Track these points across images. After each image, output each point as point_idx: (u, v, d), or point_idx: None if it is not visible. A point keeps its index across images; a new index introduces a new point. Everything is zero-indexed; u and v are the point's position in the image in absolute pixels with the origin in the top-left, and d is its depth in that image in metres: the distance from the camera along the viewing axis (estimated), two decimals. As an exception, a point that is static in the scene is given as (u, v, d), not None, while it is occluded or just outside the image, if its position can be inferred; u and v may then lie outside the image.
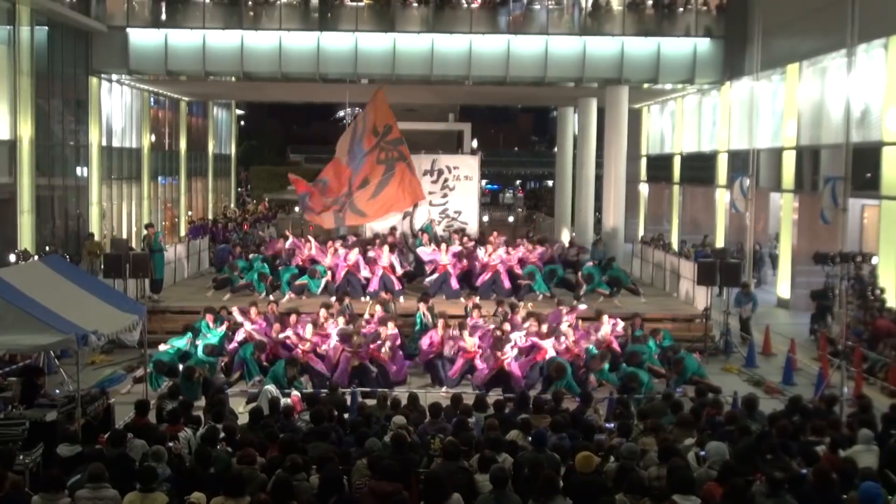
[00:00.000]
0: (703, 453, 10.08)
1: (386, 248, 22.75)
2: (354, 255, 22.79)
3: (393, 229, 25.26)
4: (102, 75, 32.55)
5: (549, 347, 16.85)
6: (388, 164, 24.33)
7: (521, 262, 23.18)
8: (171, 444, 10.47)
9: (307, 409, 12.63)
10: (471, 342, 17.18)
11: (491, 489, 8.69)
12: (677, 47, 31.52)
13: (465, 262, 23.01)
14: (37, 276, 13.37)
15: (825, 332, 20.88)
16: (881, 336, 19.71)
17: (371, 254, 22.77)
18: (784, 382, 18.58)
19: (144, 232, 25.50)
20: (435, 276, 22.83)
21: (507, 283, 22.62)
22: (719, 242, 32.48)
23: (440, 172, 26.12)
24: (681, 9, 31.61)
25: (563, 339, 17.12)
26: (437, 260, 22.91)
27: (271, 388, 14.61)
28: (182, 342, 17.15)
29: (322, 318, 18.07)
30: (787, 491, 8.55)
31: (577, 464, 9.23)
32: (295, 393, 14.67)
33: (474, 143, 47.69)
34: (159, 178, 41.00)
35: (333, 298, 20.50)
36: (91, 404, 13.10)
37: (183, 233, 41.06)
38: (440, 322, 18.13)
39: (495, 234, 25.30)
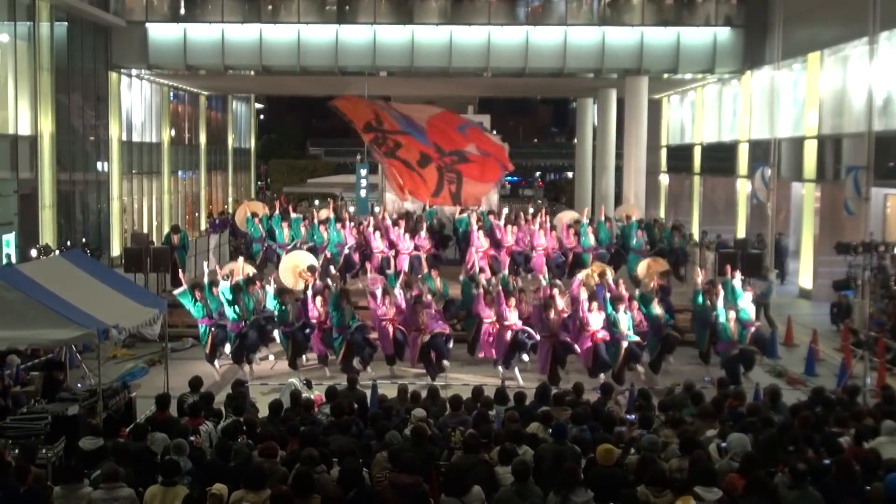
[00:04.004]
0: (724, 445, 10.00)
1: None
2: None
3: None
4: (122, 70, 32.75)
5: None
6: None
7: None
8: (192, 437, 10.51)
9: (327, 403, 12.64)
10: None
11: (512, 482, 8.66)
12: (697, 37, 31.37)
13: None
14: (58, 270, 13.44)
15: (847, 323, 20.68)
16: (905, 326, 19.55)
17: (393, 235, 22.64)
18: (806, 373, 18.47)
19: (167, 231, 25.56)
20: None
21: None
22: (740, 233, 32.23)
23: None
24: (700, -2, 31.50)
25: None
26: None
27: (295, 381, 14.64)
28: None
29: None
30: (810, 482, 8.48)
31: (597, 456, 9.19)
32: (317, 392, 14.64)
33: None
34: (179, 173, 41.21)
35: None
36: (113, 398, 13.16)
37: (203, 227, 41.22)
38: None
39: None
